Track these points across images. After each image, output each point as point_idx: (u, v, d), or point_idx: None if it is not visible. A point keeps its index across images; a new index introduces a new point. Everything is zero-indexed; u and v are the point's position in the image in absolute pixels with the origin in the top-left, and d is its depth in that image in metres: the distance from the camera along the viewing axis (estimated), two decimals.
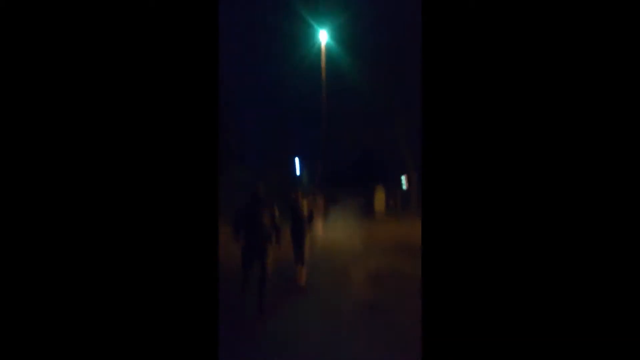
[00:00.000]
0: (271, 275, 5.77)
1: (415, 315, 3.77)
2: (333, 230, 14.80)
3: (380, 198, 21.12)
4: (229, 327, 5.09)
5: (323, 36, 17.32)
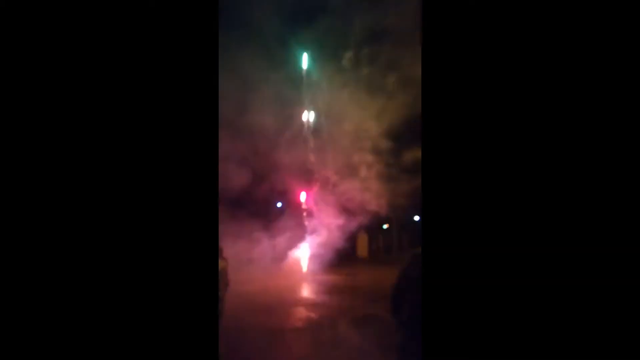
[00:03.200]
0: None
1: None
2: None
3: (363, 243, 20.97)
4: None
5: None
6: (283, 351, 7.10)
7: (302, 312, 10.26)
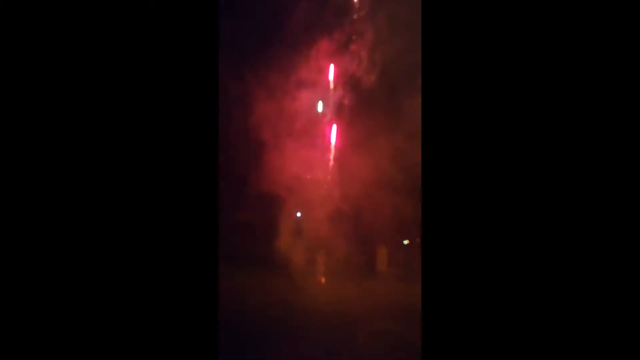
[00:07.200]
0: None
1: None
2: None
3: (382, 258, 20.72)
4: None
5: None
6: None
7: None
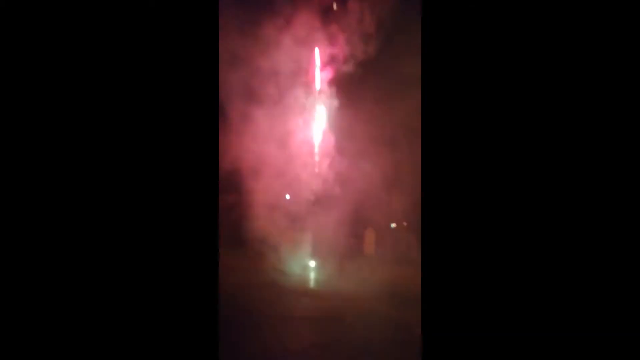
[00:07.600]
0: None
1: None
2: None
3: (370, 241, 20.90)
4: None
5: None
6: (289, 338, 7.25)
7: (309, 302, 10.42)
